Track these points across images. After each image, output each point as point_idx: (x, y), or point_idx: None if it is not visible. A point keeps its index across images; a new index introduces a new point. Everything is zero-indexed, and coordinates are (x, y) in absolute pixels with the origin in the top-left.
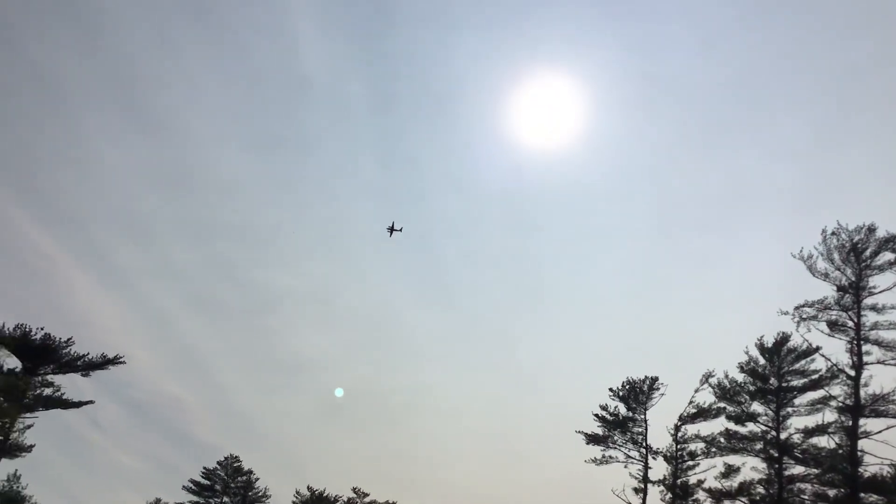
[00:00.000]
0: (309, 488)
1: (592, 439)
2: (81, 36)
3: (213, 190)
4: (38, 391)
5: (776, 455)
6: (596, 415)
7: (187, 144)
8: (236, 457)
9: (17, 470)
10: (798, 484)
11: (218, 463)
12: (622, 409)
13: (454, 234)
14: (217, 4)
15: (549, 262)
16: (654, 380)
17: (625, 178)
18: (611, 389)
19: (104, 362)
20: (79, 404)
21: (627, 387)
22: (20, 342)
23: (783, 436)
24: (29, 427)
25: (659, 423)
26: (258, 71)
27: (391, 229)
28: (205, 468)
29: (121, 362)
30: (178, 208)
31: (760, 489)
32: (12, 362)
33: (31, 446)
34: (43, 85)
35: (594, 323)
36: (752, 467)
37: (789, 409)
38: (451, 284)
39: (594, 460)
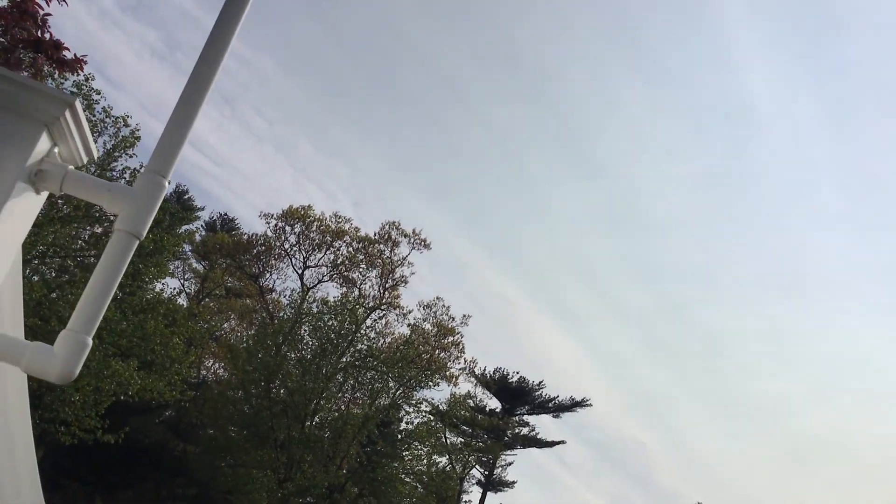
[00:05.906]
0: None
1: None
2: (528, 94)
3: (657, 229)
4: (515, 430)
5: None
6: None
7: (629, 186)
8: None
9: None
10: None
11: None
12: None
13: None
14: (650, 45)
15: None
16: None
17: None
18: None
19: (573, 404)
20: (552, 444)
21: None
22: (500, 385)
23: None
24: (510, 464)
25: None
26: (697, 105)
27: None
28: None
29: (588, 405)
30: (624, 250)
31: None
32: (493, 403)
33: (514, 482)
34: (500, 143)
35: None
36: None
37: None
38: None
39: None
